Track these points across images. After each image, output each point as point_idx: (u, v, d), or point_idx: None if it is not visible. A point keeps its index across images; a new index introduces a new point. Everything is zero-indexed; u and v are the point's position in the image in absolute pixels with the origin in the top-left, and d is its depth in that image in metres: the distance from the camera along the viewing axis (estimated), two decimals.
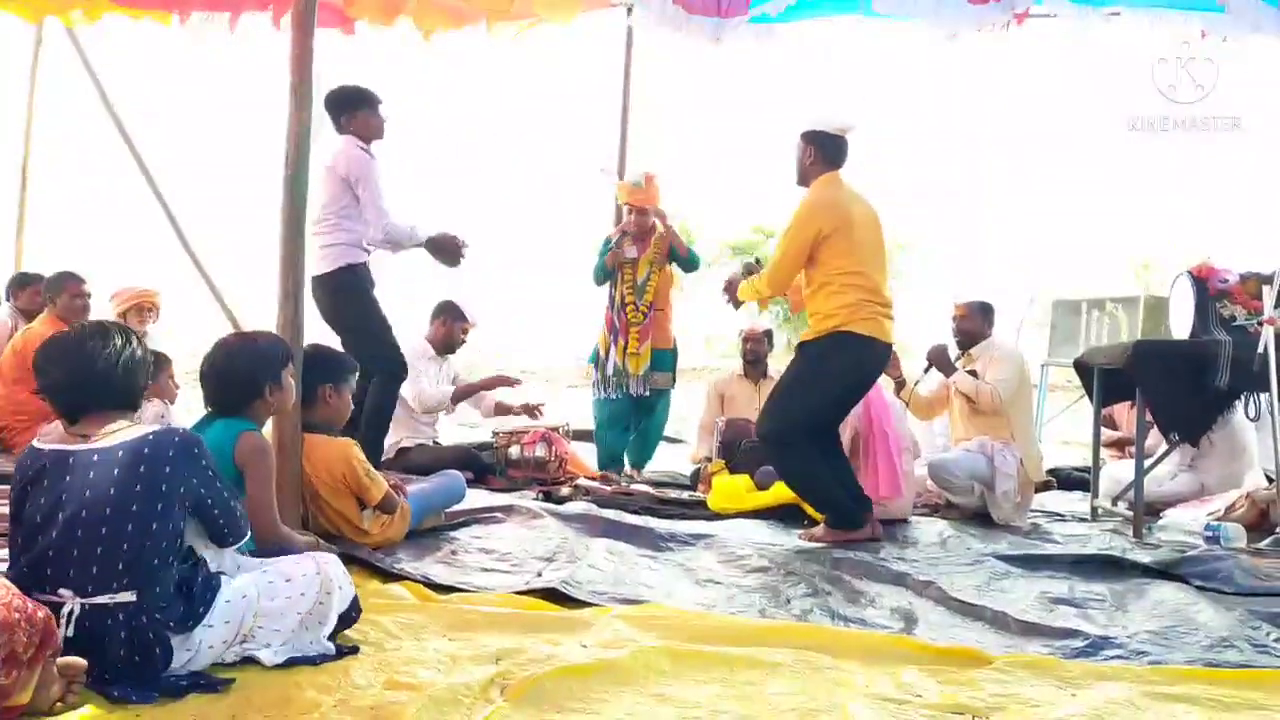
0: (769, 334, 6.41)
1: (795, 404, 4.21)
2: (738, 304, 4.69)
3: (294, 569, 2.61)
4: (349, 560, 3.29)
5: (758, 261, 4.64)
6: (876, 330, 4.19)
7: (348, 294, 4.81)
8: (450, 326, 6.05)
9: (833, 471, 4.22)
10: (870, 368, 4.27)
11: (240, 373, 2.98)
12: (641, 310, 6.08)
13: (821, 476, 4.23)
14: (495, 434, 5.84)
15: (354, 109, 4.95)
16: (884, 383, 4.70)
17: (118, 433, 2.30)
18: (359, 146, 4.85)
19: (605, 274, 5.96)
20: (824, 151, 4.40)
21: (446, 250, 4.99)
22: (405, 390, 5.51)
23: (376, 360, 4.75)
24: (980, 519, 4.92)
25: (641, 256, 6.06)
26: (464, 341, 6.08)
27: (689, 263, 6.06)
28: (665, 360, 6.13)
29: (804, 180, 4.38)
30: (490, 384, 6.05)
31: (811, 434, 4.18)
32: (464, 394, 5.95)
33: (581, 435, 6.52)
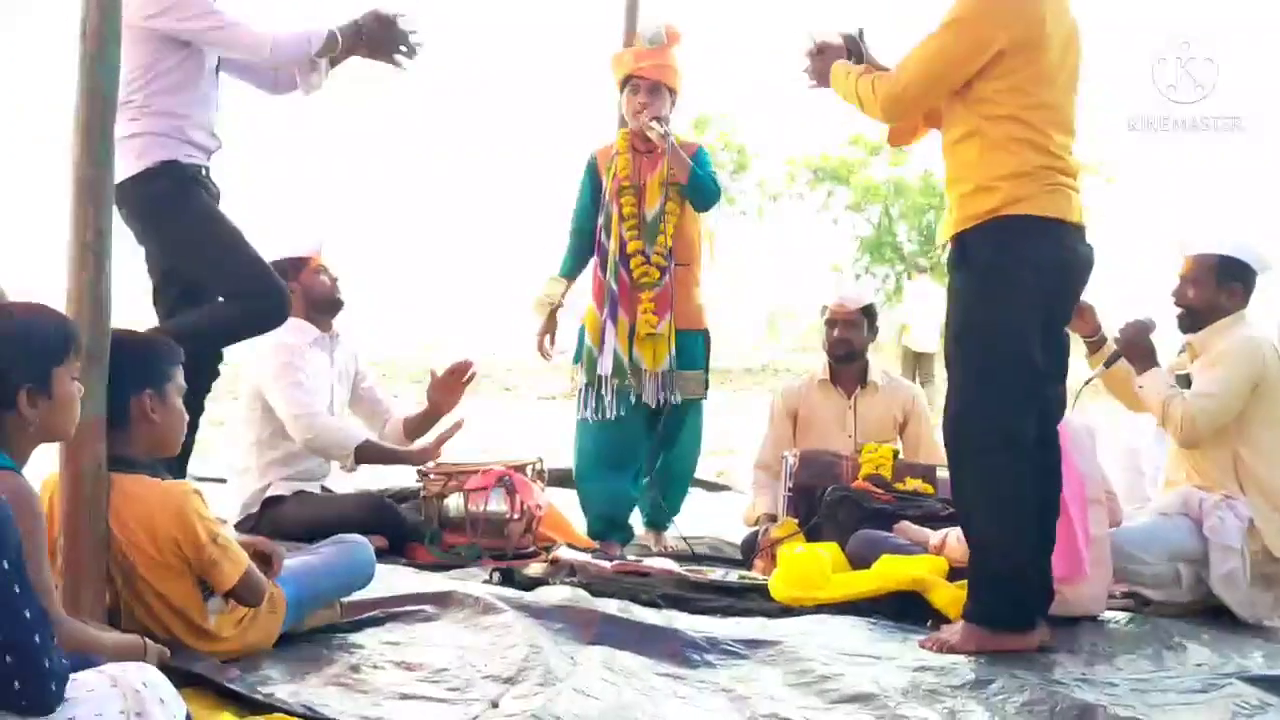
0: (869, 313, 4.99)
1: (971, 380, 3.36)
2: (824, 82, 3.64)
3: (73, 689, 2.07)
4: (185, 679, 2.77)
5: (860, 35, 3.68)
6: (1062, 206, 3.36)
7: (162, 208, 3.82)
8: (300, 281, 4.64)
9: (1040, 513, 3.38)
10: (1069, 267, 3.42)
11: None
12: (656, 263, 4.65)
13: (1022, 523, 3.35)
14: (423, 475, 4.67)
15: None
16: None
17: None
18: None
19: (589, 211, 4.79)
20: None
21: (382, 38, 3.94)
22: (285, 408, 4.48)
23: (234, 295, 3.85)
24: (1215, 615, 3.99)
25: (653, 175, 4.72)
26: (336, 281, 4.75)
27: (702, 189, 4.71)
28: (695, 350, 4.79)
29: None
30: (424, 455, 4.62)
31: (1015, 424, 3.31)
32: (380, 457, 4.69)
33: (562, 478, 5.31)
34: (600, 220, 4.76)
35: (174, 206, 3.92)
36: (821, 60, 3.70)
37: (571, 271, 4.91)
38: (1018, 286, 3.37)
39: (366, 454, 4.60)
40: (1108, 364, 4.20)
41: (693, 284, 4.76)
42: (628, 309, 4.65)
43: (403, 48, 4.04)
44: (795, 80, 3.74)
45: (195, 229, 3.94)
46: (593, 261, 4.79)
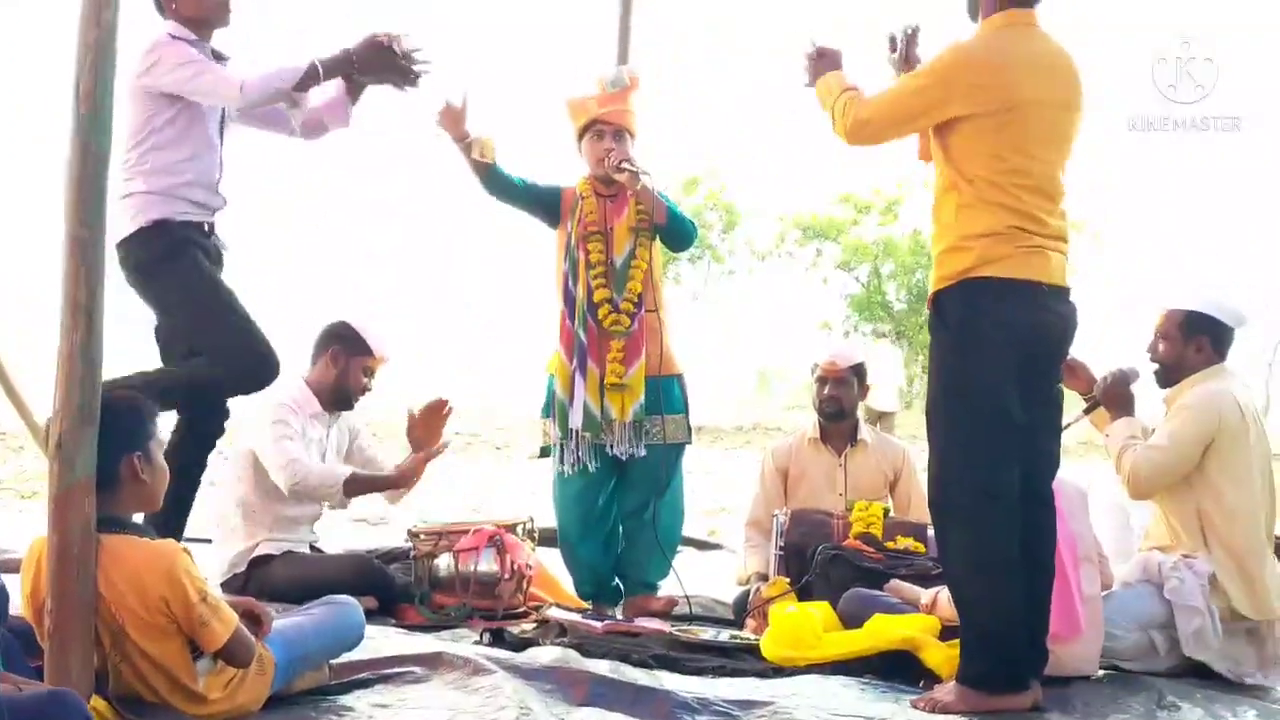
0: (858, 371, 4.91)
1: (951, 439, 3.35)
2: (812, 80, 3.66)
3: None
4: None
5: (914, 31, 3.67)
6: (1036, 268, 3.32)
7: (155, 266, 3.84)
8: (346, 364, 4.61)
9: (1029, 571, 3.34)
10: (1045, 326, 3.37)
11: None
12: (625, 310, 4.51)
13: (1008, 580, 3.30)
14: (413, 534, 4.58)
15: None
16: None
17: None
18: (173, 35, 3.91)
19: (538, 192, 4.61)
20: None
21: (379, 65, 3.91)
22: (272, 458, 4.44)
23: (216, 357, 3.87)
24: (1202, 674, 3.87)
25: (620, 220, 4.59)
26: (368, 389, 4.69)
27: (680, 230, 4.61)
28: (674, 394, 4.63)
29: (976, 11, 3.46)
30: (407, 475, 4.56)
31: (996, 480, 3.29)
32: (369, 486, 4.62)
33: (552, 538, 5.07)
34: (565, 267, 4.58)
35: (163, 266, 3.92)
36: (820, 63, 3.66)
37: (503, 170, 4.50)
38: (990, 345, 3.34)
39: (354, 486, 4.51)
40: (1086, 410, 4.19)
41: (662, 329, 4.57)
42: (597, 359, 4.48)
43: (405, 71, 3.94)
44: (793, 80, 3.68)
45: (180, 289, 3.93)
46: (559, 310, 4.61)
